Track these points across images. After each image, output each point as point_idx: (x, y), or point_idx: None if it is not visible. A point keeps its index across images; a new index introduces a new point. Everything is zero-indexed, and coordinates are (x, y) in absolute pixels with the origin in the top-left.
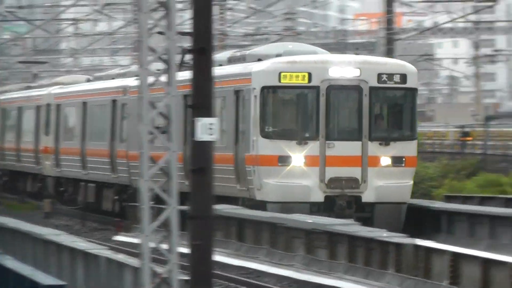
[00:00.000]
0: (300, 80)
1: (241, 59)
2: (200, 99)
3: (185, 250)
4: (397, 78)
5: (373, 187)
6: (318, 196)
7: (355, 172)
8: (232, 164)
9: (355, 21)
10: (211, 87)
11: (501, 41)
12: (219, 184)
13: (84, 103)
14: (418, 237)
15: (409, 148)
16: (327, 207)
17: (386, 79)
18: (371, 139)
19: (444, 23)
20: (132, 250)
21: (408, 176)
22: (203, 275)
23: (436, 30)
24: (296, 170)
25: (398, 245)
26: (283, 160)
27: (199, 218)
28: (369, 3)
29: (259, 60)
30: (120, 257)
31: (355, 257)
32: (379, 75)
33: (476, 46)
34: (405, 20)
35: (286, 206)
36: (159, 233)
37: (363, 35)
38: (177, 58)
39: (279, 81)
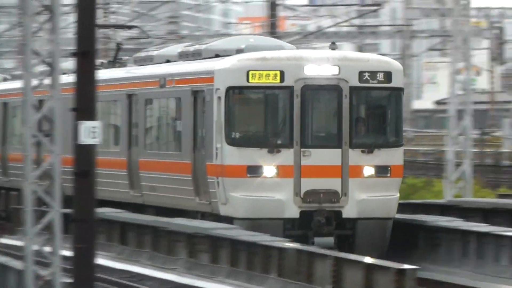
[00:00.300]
0: (271, 79)
1: (196, 55)
2: (83, 102)
3: (68, 253)
4: (380, 76)
5: (355, 201)
6: (293, 212)
7: (334, 184)
8: (189, 174)
9: (238, 25)
10: (94, 90)
11: (385, 45)
12: (173, 195)
13: (5, 104)
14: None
15: (394, 156)
16: (303, 223)
17: (369, 78)
18: (352, 146)
19: (328, 27)
20: (15, 252)
21: (394, 188)
22: (85, 278)
23: (320, 34)
24: (267, 182)
25: (281, 249)
26: (253, 170)
27: (82, 221)
28: (252, 7)
29: (217, 55)
30: (3, 259)
31: (237, 261)
32: (361, 73)
33: (360, 50)
34: (288, 24)
35: (257, 223)
36: (43, 236)
37: None
38: (63, 61)
39: (248, 80)
